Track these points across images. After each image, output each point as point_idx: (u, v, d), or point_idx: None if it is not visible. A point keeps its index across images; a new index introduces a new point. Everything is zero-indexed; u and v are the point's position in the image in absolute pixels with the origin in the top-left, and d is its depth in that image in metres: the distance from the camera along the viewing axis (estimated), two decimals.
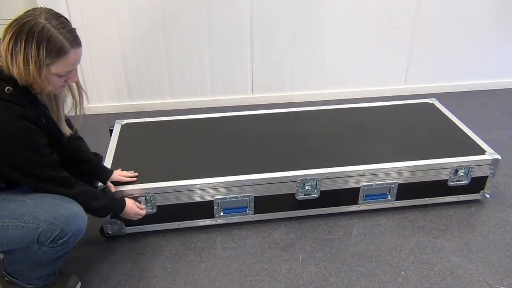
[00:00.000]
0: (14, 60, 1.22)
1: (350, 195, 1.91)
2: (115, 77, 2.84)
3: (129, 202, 1.68)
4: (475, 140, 2.06)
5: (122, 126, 2.21)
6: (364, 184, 1.88)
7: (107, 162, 1.90)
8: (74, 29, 1.30)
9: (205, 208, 1.83)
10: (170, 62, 2.84)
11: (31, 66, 1.22)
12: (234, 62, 2.90)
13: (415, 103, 2.43)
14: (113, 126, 2.20)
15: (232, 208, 1.85)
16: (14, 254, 1.41)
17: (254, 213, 1.88)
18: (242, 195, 1.82)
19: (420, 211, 1.97)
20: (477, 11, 2.92)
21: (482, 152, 1.97)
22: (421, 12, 2.84)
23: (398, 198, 1.95)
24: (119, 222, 1.79)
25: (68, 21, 1.30)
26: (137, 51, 2.78)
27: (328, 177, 1.84)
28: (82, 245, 1.81)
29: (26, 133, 1.27)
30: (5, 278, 1.51)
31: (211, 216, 1.85)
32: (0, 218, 1.32)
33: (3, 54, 1.23)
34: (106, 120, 2.78)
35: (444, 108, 2.36)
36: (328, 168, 1.84)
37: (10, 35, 1.22)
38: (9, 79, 1.25)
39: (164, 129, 2.21)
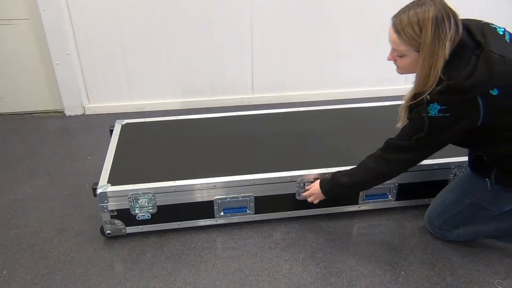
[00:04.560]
0: None
1: (350, 195, 1.91)
2: (115, 77, 2.85)
3: None
4: None
5: (122, 126, 2.21)
6: None
7: (107, 162, 1.90)
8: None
9: (205, 208, 1.83)
10: (170, 62, 2.84)
11: None
12: (234, 62, 2.90)
13: None
14: (113, 126, 2.21)
15: (232, 208, 1.85)
16: None
17: (255, 213, 1.88)
18: (242, 195, 1.82)
19: (420, 211, 1.96)
20: (477, 11, 2.91)
21: None
22: None
23: (398, 198, 1.95)
24: (119, 222, 1.79)
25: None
26: (137, 51, 2.78)
27: (328, 177, 1.83)
28: (82, 245, 1.81)
29: None
30: None
31: (211, 216, 1.85)
32: None
33: None
34: (106, 120, 2.78)
35: None
36: (328, 168, 1.83)
37: None
38: None
39: (164, 129, 2.21)
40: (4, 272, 1.68)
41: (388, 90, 3.12)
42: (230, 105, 3.00)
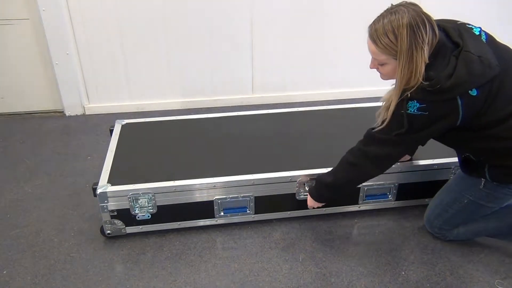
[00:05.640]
0: None
1: (350, 195, 1.91)
2: (115, 77, 2.84)
3: None
4: None
5: (122, 126, 2.21)
6: (364, 184, 1.88)
7: (107, 162, 1.90)
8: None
9: (205, 208, 1.83)
10: (170, 62, 2.84)
11: None
12: (234, 62, 2.90)
13: None
14: (113, 126, 2.21)
15: (232, 208, 1.85)
16: None
17: (254, 213, 1.88)
18: (242, 195, 1.82)
19: (420, 211, 1.96)
20: (476, 11, 2.92)
21: None
22: None
23: (398, 198, 1.95)
24: (119, 222, 1.79)
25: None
26: (137, 51, 2.78)
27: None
28: (82, 245, 1.81)
29: None
30: None
31: (212, 216, 1.85)
32: None
33: None
34: (106, 120, 2.78)
35: None
36: (328, 168, 1.83)
37: None
38: None
39: (164, 129, 2.21)
40: (4, 272, 1.68)
41: (388, 90, 3.11)
42: (230, 105, 3.00)
